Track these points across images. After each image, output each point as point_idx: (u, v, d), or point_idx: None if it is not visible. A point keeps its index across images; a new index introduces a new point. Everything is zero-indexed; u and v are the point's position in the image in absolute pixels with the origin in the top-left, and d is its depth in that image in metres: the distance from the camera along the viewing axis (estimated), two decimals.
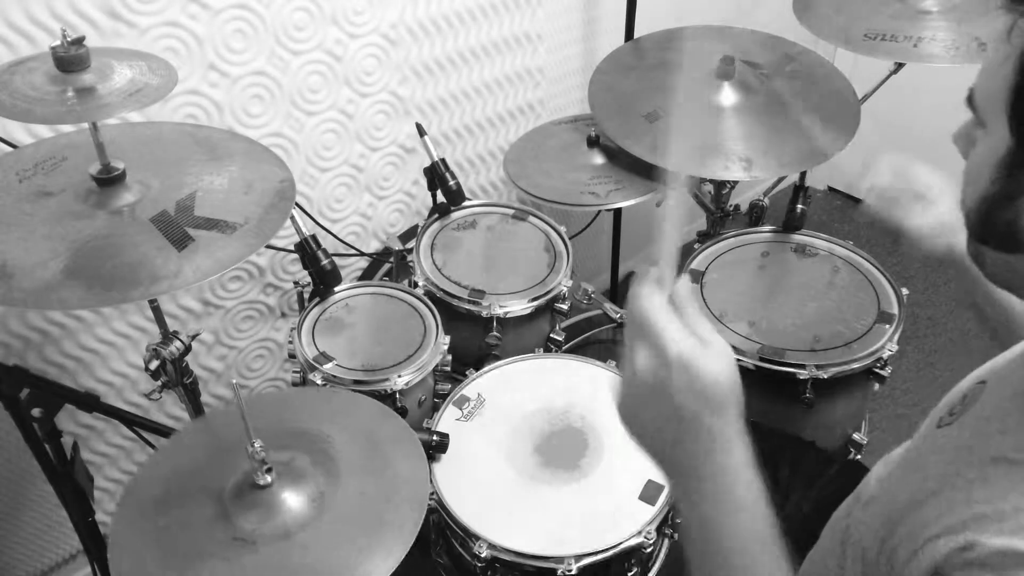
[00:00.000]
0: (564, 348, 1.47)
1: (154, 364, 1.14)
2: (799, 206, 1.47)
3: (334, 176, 1.63)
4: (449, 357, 1.26)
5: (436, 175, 1.47)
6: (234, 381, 0.85)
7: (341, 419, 1.00)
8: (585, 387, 1.22)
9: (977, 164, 0.60)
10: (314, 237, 1.26)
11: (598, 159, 1.54)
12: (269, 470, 0.85)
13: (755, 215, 1.59)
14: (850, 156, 1.38)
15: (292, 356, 1.24)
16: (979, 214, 0.60)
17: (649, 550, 1.03)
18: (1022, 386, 0.62)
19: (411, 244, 1.49)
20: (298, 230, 1.24)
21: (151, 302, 1.13)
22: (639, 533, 1.01)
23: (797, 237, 1.49)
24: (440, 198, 1.50)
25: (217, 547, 0.82)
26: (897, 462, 0.79)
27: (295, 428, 0.97)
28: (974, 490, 0.59)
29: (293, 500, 0.86)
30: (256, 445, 0.82)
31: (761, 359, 1.24)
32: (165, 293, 0.90)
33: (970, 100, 0.60)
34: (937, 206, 0.96)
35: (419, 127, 1.47)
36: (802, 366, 1.22)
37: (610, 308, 1.58)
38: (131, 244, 0.92)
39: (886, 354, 1.25)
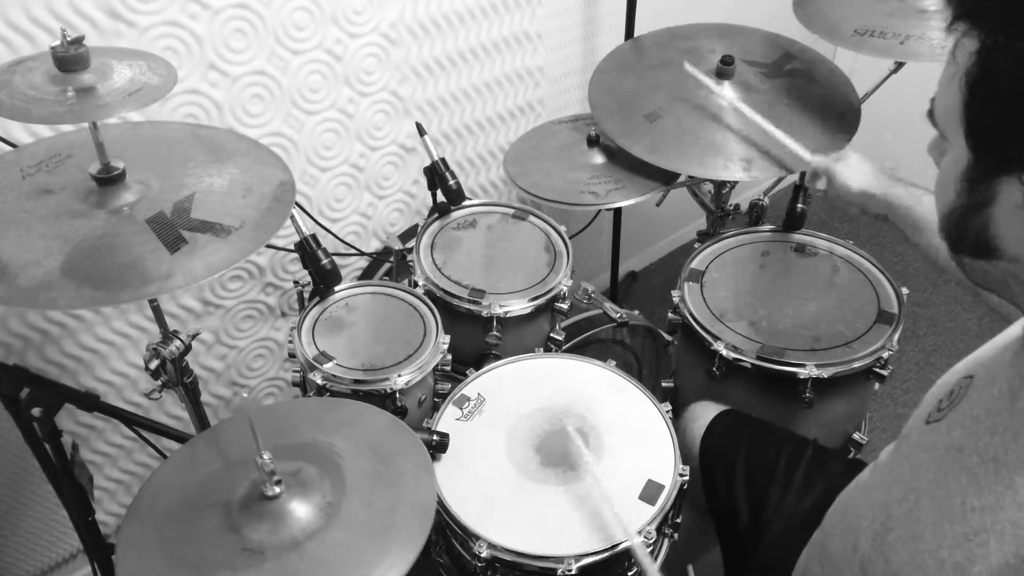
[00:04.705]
0: (564, 348, 1.46)
1: (154, 363, 1.14)
2: (799, 205, 1.47)
3: (334, 176, 1.63)
4: (449, 357, 1.26)
5: (436, 174, 1.47)
6: (244, 394, 0.84)
7: (346, 429, 1.00)
8: (585, 387, 1.22)
9: (943, 176, 0.62)
10: (314, 236, 1.26)
11: (598, 159, 1.54)
12: (278, 481, 0.85)
13: (755, 215, 1.59)
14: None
15: (292, 355, 1.24)
16: (951, 224, 0.61)
17: (649, 550, 1.03)
18: (1009, 384, 0.62)
19: (411, 244, 1.49)
20: (298, 230, 1.24)
21: (151, 302, 1.13)
22: (639, 533, 1.01)
23: (797, 236, 1.49)
24: (440, 197, 1.50)
25: (225, 558, 0.82)
26: (887, 460, 0.80)
27: (302, 438, 0.97)
28: (968, 496, 0.59)
29: (301, 510, 0.85)
30: (266, 457, 0.82)
31: (761, 359, 1.24)
32: (154, 296, 0.90)
33: (931, 114, 0.62)
34: (848, 160, 1.25)
35: (419, 126, 1.47)
36: (802, 365, 1.22)
37: (610, 308, 1.58)
38: (126, 245, 0.92)
39: (886, 354, 1.25)
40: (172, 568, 0.82)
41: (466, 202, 1.52)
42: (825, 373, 1.22)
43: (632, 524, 1.01)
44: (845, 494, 0.89)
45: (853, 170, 1.23)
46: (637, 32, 1.81)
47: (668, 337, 1.61)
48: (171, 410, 1.61)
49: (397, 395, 1.18)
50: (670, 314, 1.38)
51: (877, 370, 1.26)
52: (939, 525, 0.60)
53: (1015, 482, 0.56)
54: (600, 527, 1.01)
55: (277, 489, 0.85)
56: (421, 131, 1.47)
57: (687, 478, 1.08)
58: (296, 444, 0.96)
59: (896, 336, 1.28)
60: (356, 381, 1.18)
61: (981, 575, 0.56)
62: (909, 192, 1.16)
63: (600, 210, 1.63)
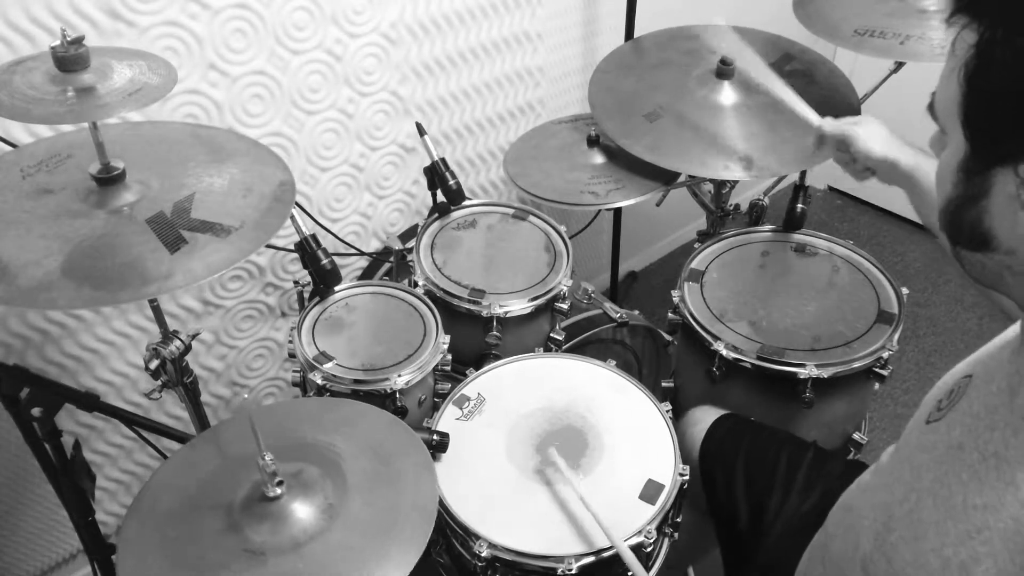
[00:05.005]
0: (564, 348, 1.47)
1: (154, 363, 1.14)
2: (799, 205, 1.47)
3: (334, 176, 1.63)
4: (449, 356, 1.26)
5: (436, 174, 1.47)
6: (245, 395, 0.84)
7: (348, 429, 1.00)
8: (585, 387, 1.22)
9: (942, 169, 0.63)
10: (314, 236, 1.26)
11: (598, 158, 1.54)
12: (280, 483, 0.85)
13: (755, 214, 1.59)
14: None
15: (292, 355, 1.24)
16: (948, 216, 0.62)
17: (649, 550, 1.03)
18: (1008, 380, 0.62)
19: (411, 244, 1.49)
20: (298, 230, 1.24)
21: (151, 302, 1.13)
22: (639, 533, 1.01)
23: (797, 236, 1.49)
24: (440, 197, 1.50)
25: (227, 559, 0.82)
26: (888, 461, 0.80)
27: (302, 439, 0.97)
28: (969, 493, 0.59)
29: (303, 511, 0.85)
30: (267, 458, 0.82)
31: (761, 359, 1.25)
32: (154, 296, 0.90)
33: (931, 108, 0.63)
34: (869, 124, 1.17)
35: (419, 126, 1.47)
36: (802, 365, 1.22)
37: (610, 308, 1.58)
38: (126, 245, 0.92)
39: (886, 354, 1.25)
40: (173, 569, 0.82)
41: (466, 202, 1.52)
42: (825, 373, 1.22)
43: (622, 529, 1.01)
44: (847, 495, 0.89)
45: (875, 135, 1.17)
46: (637, 32, 1.81)
47: (668, 337, 1.61)
48: (171, 410, 1.61)
49: (397, 395, 1.18)
50: (670, 314, 1.38)
51: (877, 370, 1.26)
52: (941, 524, 0.60)
53: (1016, 478, 0.56)
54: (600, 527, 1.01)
55: (279, 490, 0.85)
56: (421, 131, 1.47)
57: (687, 478, 1.08)
58: (297, 445, 0.96)
59: (896, 336, 1.28)
60: (356, 381, 1.18)
61: (987, 574, 0.56)
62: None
63: (600, 210, 1.64)
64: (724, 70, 1.48)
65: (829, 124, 1.23)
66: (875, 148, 1.14)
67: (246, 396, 0.82)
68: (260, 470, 0.83)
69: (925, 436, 0.70)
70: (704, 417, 1.25)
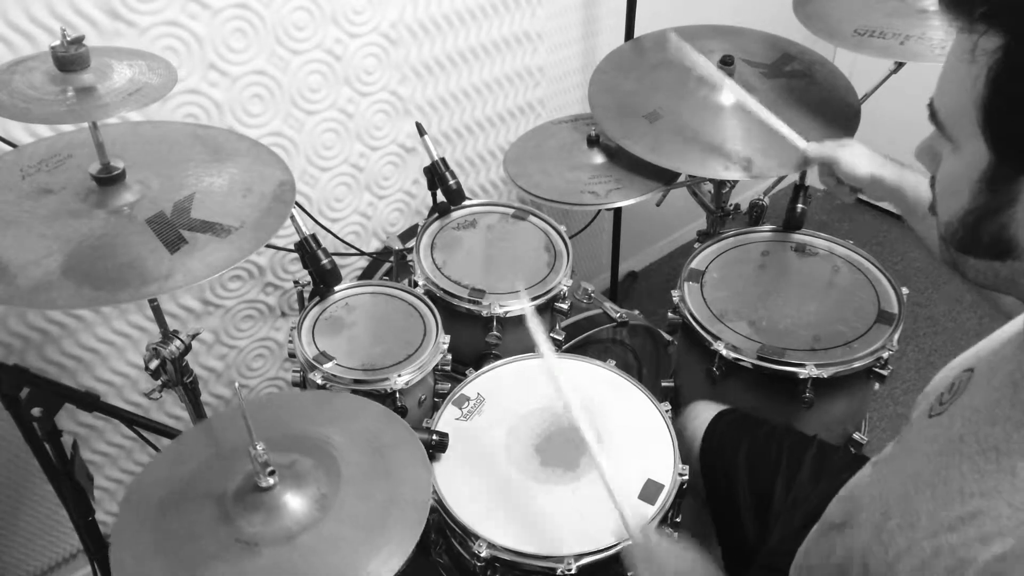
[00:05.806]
0: (564, 348, 1.47)
1: (154, 363, 1.14)
2: (799, 205, 1.47)
3: (334, 175, 1.63)
4: (449, 356, 1.26)
5: (436, 174, 1.47)
6: (237, 384, 0.85)
7: (342, 421, 1.00)
8: (585, 387, 1.22)
9: (954, 179, 0.60)
10: (314, 236, 1.26)
11: (598, 158, 1.54)
12: (272, 472, 0.85)
13: (755, 214, 1.59)
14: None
15: (292, 355, 1.24)
16: (964, 227, 0.60)
17: None
18: (1009, 375, 0.62)
19: (411, 243, 1.49)
20: (298, 229, 1.24)
21: (151, 301, 1.13)
22: (639, 532, 1.00)
23: (797, 236, 1.49)
24: (440, 197, 1.50)
25: (220, 550, 0.82)
26: (890, 453, 0.80)
27: (297, 431, 0.97)
28: (967, 483, 0.59)
29: (295, 503, 0.86)
30: (259, 448, 0.82)
31: (761, 359, 1.24)
32: (154, 296, 0.90)
33: (933, 117, 0.60)
34: (852, 147, 1.23)
35: (419, 126, 1.47)
36: (802, 365, 1.22)
37: (610, 307, 1.58)
38: (126, 245, 0.92)
39: (886, 354, 1.25)
40: (166, 559, 0.83)
41: (466, 202, 1.52)
42: (825, 373, 1.22)
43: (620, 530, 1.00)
44: (849, 487, 0.89)
45: (859, 155, 1.22)
46: (637, 32, 1.81)
47: (668, 337, 1.61)
48: (171, 410, 1.61)
49: (397, 395, 1.18)
50: (670, 314, 1.38)
51: (877, 370, 1.26)
52: (935, 513, 0.60)
53: (1016, 467, 0.56)
54: (600, 526, 1.01)
55: (271, 480, 0.85)
56: (421, 131, 1.47)
57: (687, 478, 1.08)
58: (291, 436, 0.96)
59: (896, 336, 1.28)
60: (356, 381, 1.18)
61: (979, 558, 0.55)
62: (920, 180, 1.14)
63: (600, 210, 1.64)
64: (724, 70, 1.47)
65: (813, 148, 1.28)
66: (860, 168, 1.20)
67: (237, 385, 0.82)
68: (252, 460, 0.83)
69: (928, 429, 0.69)
70: (703, 412, 1.25)
